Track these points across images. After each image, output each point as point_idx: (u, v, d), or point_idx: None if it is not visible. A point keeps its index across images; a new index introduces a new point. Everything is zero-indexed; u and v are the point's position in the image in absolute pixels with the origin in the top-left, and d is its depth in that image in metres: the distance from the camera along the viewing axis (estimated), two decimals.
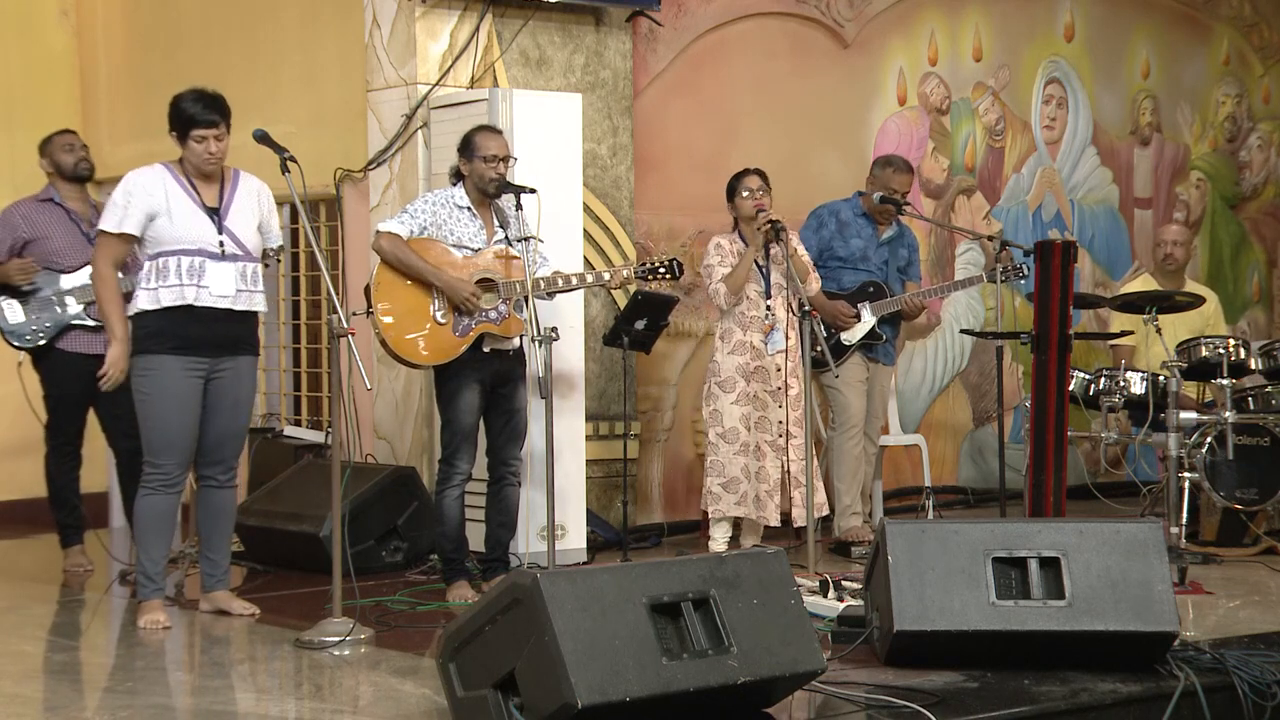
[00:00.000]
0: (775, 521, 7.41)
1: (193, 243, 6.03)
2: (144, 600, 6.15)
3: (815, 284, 7.59)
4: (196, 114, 6.08)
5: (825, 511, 7.54)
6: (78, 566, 7.42)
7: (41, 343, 7.24)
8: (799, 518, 7.44)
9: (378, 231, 6.52)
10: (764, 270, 7.48)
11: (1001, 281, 7.92)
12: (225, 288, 6.06)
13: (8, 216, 7.36)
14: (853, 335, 7.84)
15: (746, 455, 7.41)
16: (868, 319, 7.84)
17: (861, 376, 7.91)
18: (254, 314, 6.22)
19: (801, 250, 7.54)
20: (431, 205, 6.55)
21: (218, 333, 6.08)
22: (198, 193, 6.10)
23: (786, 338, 7.45)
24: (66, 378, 7.18)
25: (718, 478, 7.46)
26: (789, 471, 7.41)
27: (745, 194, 7.46)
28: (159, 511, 6.11)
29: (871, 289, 7.89)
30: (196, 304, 6.02)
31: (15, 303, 7.25)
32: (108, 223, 6.08)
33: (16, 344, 7.28)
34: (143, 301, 6.05)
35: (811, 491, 6.98)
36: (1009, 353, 9.48)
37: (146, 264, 6.07)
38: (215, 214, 6.09)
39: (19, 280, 7.23)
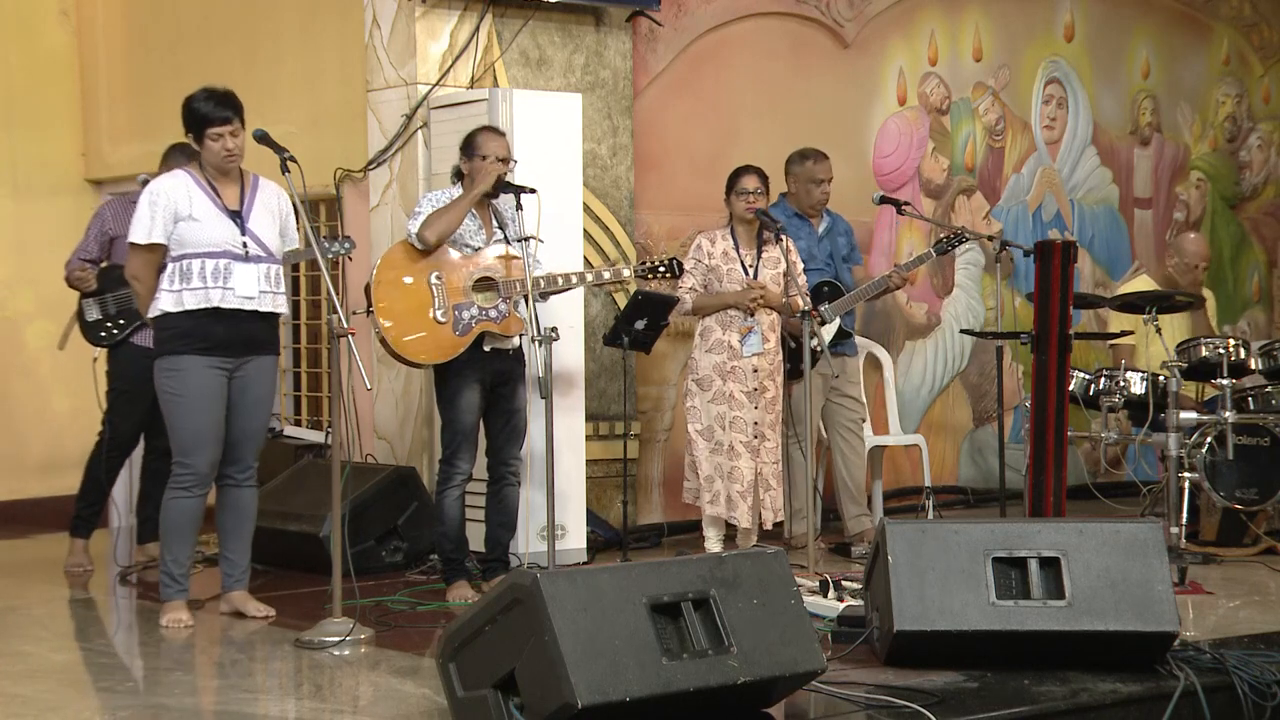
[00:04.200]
0: (747, 523, 7.38)
1: (217, 245, 6.05)
2: (167, 600, 6.15)
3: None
4: (209, 112, 6.08)
5: (781, 517, 7.54)
6: (77, 566, 7.42)
7: (117, 339, 7.35)
8: (767, 520, 7.44)
9: (415, 234, 6.45)
10: (751, 271, 7.47)
11: (944, 252, 7.89)
12: (249, 289, 6.09)
13: (99, 213, 7.51)
14: (822, 341, 7.79)
15: (720, 454, 7.40)
16: (832, 320, 7.79)
17: (820, 388, 7.80)
18: (276, 315, 6.25)
19: (796, 257, 7.51)
20: (434, 203, 6.56)
21: (243, 333, 6.12)
22: (219, 195, 6.12)
23: (765, 340, 7.42)
24: (132, 373, 7.24)
25: (696, 474, 7.47)
26: (761, 474, 7.41)
27: (740, 194, 7.44)
28: (187, 512, 6.13)
29: (826, 289, 7.81)
30: (223, 305, 6.05)
31: (94, 301, 7.38)
32: (137, 234, 6.08)
33: (95, 342, 7.42)
34: (165, 303, 6.06)
35: (812, 492, 6.98)
36: (1009, 353, 9.48)
37: (169, 266, 6.07)
38: (237, 216, 6.11)
39: (82, 288, 7.37)
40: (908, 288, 8.94)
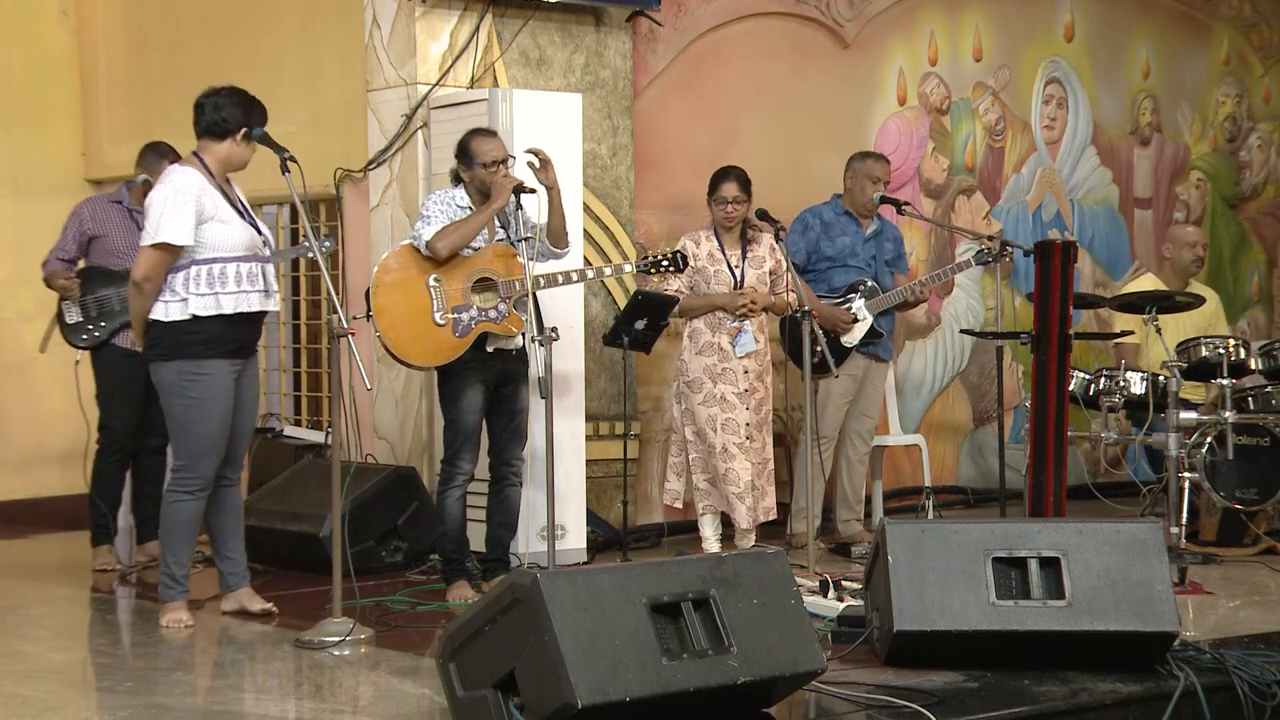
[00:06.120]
0: (746, 524, 7.39)
1: (248, 248, 6.02)
2: (168, 601, 6.13)
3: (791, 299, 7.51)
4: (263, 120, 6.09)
5: (771, 516, 7.55)
6: (107, 565, 7.42)
7: (98, 341, 7.34)
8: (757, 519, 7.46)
9: (427, 243, 6.41)
10: (737, 271, 7.45)
11: (985, 263, 7.89)
12: (272, 288, 6.12)
13: (77, 212, 7.48)
14: (853, 337, 7.83)
15: (715, 456, 7.40)
16: (865, 318, 7.82)
17: (847, 389, 7.87)
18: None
19: (782, 255, 7.48)
20: (441, 205, 6.54)
21: (255, 333, 6.14)
22: (225, 196, 6.06)
23: (756, 340, 7.42)
24: (117, 374, 7.24)
25: (701, 474, 7.47)
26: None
27: (719, 202, 7.44)
28: (192, 514, 6.10)
29: (862, 287, 7.85)
30: (265, 309, 6.05)
31: (73, 303, 7.37)
32: (172, 235, 5.86)
33: (76, 344, 7.41)
34: (196, 307, 5.92)
35: (811, 493, 6.98)
36: (1009, 353, 9.47)
37: (194, 268, 5.92)
38: (244, 215, 6.08)
39: (64, 294, 7.36)
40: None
